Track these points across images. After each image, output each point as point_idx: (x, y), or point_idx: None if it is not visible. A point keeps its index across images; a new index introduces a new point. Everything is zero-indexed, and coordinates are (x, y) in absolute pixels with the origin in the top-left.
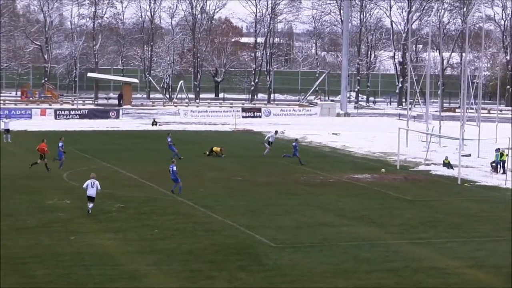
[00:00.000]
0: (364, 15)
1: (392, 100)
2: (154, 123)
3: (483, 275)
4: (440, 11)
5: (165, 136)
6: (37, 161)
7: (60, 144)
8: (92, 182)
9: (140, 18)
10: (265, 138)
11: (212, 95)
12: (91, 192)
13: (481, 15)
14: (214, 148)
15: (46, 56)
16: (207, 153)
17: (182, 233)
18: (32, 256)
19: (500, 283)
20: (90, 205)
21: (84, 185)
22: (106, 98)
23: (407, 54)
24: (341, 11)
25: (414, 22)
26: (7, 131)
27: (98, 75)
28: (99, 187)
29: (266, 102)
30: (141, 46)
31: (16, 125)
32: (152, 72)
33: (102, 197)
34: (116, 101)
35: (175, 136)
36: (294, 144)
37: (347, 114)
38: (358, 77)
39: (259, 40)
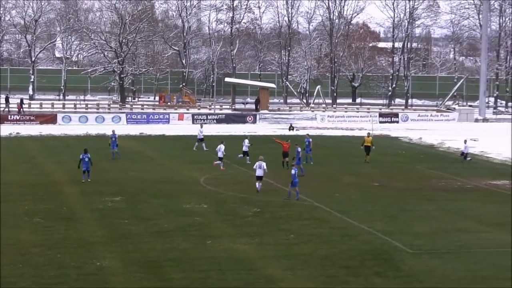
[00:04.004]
0: (504, 19)
1: None
2: (291, 128)
3: None
4: None
5: (302, 140)
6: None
7: None
8: (260, 164)
9: (278, 23)
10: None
11: (349, 100)
12: (259, 172)
13: None
14: (366, 139)
15: (184, 61)
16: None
17: (318, 238)
18: (168, 260)
19: None
20: (259, 184)
21: (254, 167)
22: (243, 103)
23: None
24: (480, 16)
25: None
26: (201, 140)
27: (236, 80)
28: (265, 168)
29: (403, 107)
30: (278, 51)
31: (154, 129)
32: (289, 77)
33: (238, 202)
34: (253, 106)
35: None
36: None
37: (485, 120)
38: (497, 82)
39: (396, 45)
